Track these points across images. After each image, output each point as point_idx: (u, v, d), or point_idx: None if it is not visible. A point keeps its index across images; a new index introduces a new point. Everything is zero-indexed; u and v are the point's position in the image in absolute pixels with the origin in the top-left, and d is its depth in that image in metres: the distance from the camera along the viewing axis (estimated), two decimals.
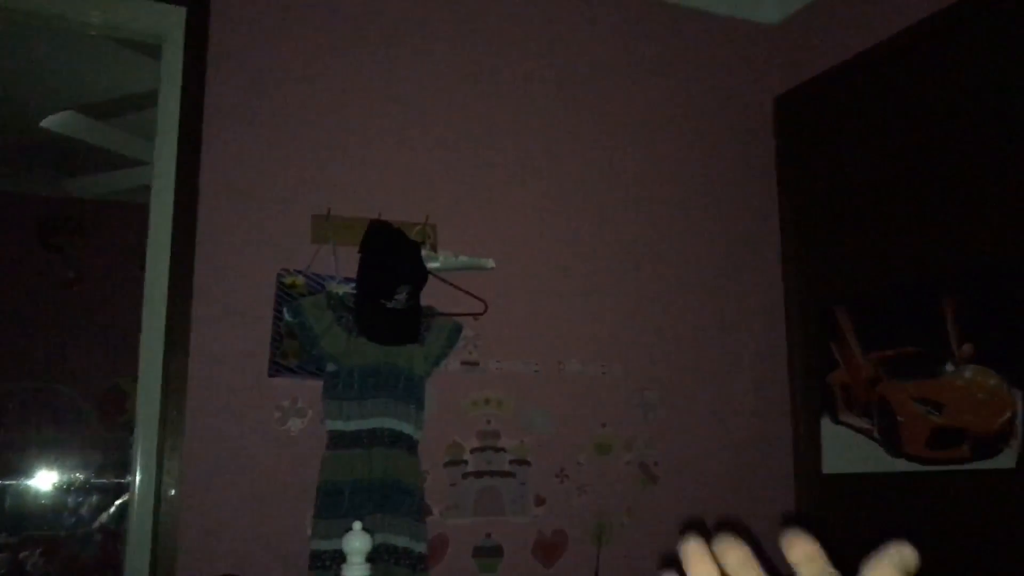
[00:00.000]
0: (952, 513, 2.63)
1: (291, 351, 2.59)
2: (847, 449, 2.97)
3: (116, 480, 4.80)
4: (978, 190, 2.63)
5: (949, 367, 2.65)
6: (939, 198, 2.75)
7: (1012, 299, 2.50)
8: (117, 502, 4.77)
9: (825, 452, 3.07)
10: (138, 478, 2.48)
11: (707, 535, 0.49)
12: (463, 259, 2.80)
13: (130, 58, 3.56)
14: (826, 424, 3.07)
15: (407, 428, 2.58)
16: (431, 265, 2.71)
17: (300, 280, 2.63)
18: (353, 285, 2.62)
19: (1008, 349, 2.50)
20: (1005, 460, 2.48)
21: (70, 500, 4.90)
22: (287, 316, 2.57)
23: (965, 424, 2.59)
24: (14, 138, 4.68)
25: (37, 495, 4.90)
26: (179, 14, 2.69)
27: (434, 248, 2.78)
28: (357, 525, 1.95)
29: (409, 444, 2.58)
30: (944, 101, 2.76)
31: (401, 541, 2.48)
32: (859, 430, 2.93)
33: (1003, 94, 2.59)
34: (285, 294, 2.61)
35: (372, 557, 2.29)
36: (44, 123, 3.92)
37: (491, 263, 2.84)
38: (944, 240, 2.72)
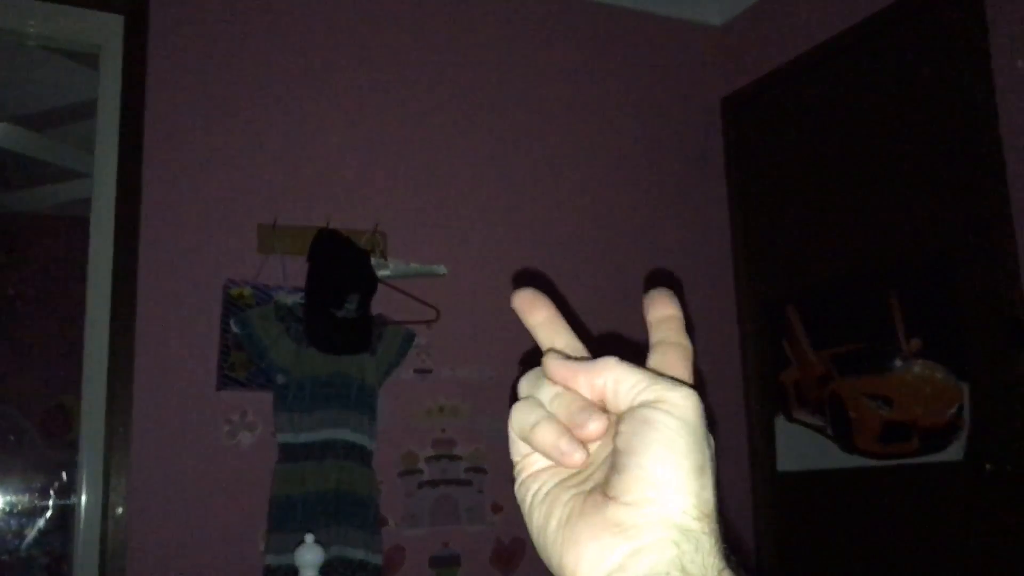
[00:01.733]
0: (904, 506, 2.67)
1: (240, 363, 2.54)
2: (801, 447, 3.00)
3: (61, 501, 4.68)
4: (921, 185, 2.67)
5: (898, 362, 2.68)
6: (883, 194, 2.79)
7: (956, 294, 2.55)
8: (39, 523, 4.65)
9: (779, 450, 3.09)
10: (84, 497, 2.42)
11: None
12: (414, 266, 2.77)
13: (67, 68, 3.47)
14: (780, 422, 3.09)
15: (360, 439, 2.54)
16: (381, 273, 2.68)
17: (247, 291, 2.59)
18: (302, 295, 2.59)
19: (954, 343, 2.54)
20: (953, 452, 2.51)
21: (13, 523, 4.76)
22: (234, 328, 2.52)
23: (915, 418, 2.63)
24: None
25: None
26: (117, 22, 2.63)
27: (384, 256, 2.75)
28: (309, 538, 1.92)
29: (363, 455, 2.55)
30: (886, 99, 2.81)
31: (356, 553, 2.44)
32: (812, 427, 2.96)
33: (943, 92, 2.63)
34: (232, 306, 2.56)
35: (327, 570, 2.25)
36: None
37: (442, 269, 2.82)
38: (890, 236, 2.76)
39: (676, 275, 3.10)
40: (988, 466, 2.42)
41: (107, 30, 2.62)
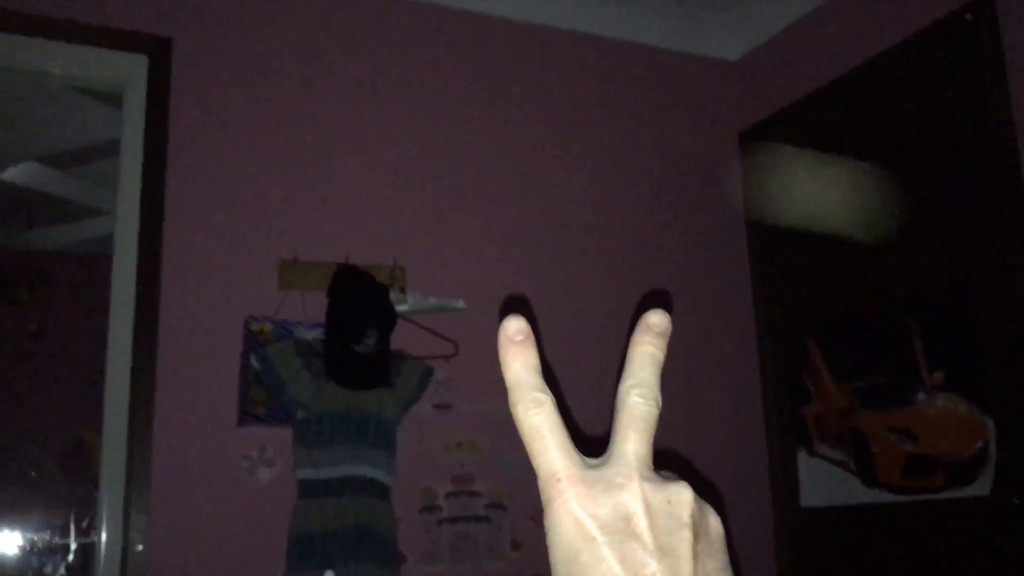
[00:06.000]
0: (929, 542, 2.63)
1: (259, 399, 2.55)
2: (824, 481, 2.96)
3: (82, 539, 4.67)
4: (941, 216, 2.66)
5: (921, 395, 2.65)
6: (903, 226, 2.78)
7: (979, 326, 2.52)
8: (60, 559, 4.64)
9: (802, 485, 3.05)
10: (104, 534, 2.41)
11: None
12: (433, 301, 2.78)
13: (91, 107, 3.53)
14: (802, 457, 3.06)
15: (379, 474, 2.54)
16: (400, 308, 2.69)
17: (268, 327, 2.60)
18: (321, 330, 2.59)
19: (978, 376, 2.51)
20: (980, 487, 2.48)
21: (34, 560, 4.76)
22: (254, 363, 2.53)
23: (939, 452, 2.59)
24: None
25: (1, 559, 4.76)
26: (141, 62, 2.67)
27: (403, 290, 2.76)
28: (329, 574, 1.91)
29: (381, 491, 2.54)
30: (904, 131, 2.80)
31: None
32: (835, 462, 2.92)
33: (961, 123, 2.63)
34: (253, 341, 2.57)
35: None
36: (3, 174, 3.87)
37: (461, 304, 2.82)
38: (910, 267, 2.74)
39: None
40: (1016, 501, 2.39)
41: (131, 71, 2.66)
